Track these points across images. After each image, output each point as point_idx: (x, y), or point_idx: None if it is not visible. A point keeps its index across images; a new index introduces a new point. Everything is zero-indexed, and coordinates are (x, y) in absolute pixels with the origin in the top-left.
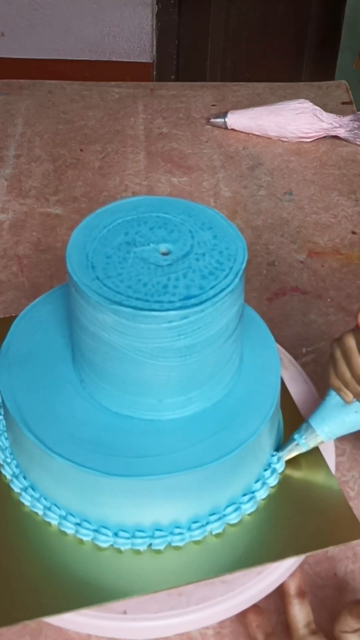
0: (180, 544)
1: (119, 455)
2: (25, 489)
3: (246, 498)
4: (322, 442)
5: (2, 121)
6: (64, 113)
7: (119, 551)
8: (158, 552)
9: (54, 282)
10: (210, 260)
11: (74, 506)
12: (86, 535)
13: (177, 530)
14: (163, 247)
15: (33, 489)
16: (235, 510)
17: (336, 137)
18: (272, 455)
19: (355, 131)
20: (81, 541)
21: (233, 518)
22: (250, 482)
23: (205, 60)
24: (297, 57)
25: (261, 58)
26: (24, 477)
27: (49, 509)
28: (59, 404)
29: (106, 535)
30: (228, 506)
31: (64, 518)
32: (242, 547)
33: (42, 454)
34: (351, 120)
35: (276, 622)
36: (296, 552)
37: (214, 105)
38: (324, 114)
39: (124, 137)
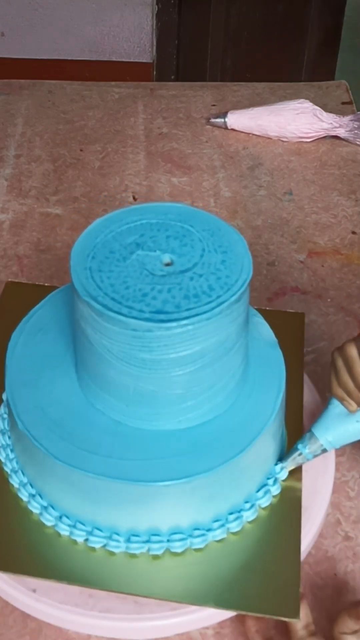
0: (180, 550)
1: (118, 458)
2: (27, 490)
3: (247, 506)
4: (326, 451)
5: (2, 121)
6: (64, 113)
7: (112, 553)
8: (155, 557)
9: (54, 282)
10: (203, 284)
11: (82, 513)
12: (90, 540)
13: (176, 537)
14: (167, 257)
15: (41, 496)
16: (237, 518)
17: (336, 137)
18: (276, 464)
19: (355, 131)
20: (93, 549)
21: (234, 526)
22: (252, 490)
23: (205, 60)
24: (297, 57)
25: (261, 58)
26: (31, 485)
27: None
28: (60, 409)
29: (117, 541)
30: (230, 513)
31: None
32: (240, 560)
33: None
34: (351, 120)
35: (276, 622)
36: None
37: (214, 105)
38: (324, 114)
39: (124, 137)
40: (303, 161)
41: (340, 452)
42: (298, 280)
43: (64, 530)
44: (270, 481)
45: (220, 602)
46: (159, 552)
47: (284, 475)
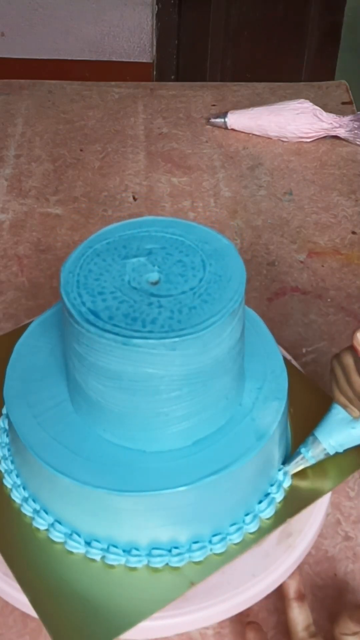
0: (223, 549)
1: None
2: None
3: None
4: (329, 455)
5: (2, 121)
6: (64, 113)
7: (111, 567)
8: (156, 570)
9: (54, 282)
10: (195, 301)
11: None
12: (96, 555)
13: (175, 551)
14: (156, 275)
15: (34, 501)
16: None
17: (336, 137)
18: (279, 470)
19: (355, 131)
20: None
21: (249, 528)
22: (256, 497)
23: (205, 60)
24: (297, 57)
25: (261, 58)
26: (24, 488)
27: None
28: (55, 425)
29: (117, 554)
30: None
31: (69, 536)
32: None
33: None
34: (351, 120)
35: (276, 622)
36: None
37: (214, 105)
38: (324, 114)
39: (124, 137)
40: (303, 161)
41: None
42: (298, 280)
43: (57, 538)
44: (274, 488)
45: None
46: (159, 565)
47: (287, 482)
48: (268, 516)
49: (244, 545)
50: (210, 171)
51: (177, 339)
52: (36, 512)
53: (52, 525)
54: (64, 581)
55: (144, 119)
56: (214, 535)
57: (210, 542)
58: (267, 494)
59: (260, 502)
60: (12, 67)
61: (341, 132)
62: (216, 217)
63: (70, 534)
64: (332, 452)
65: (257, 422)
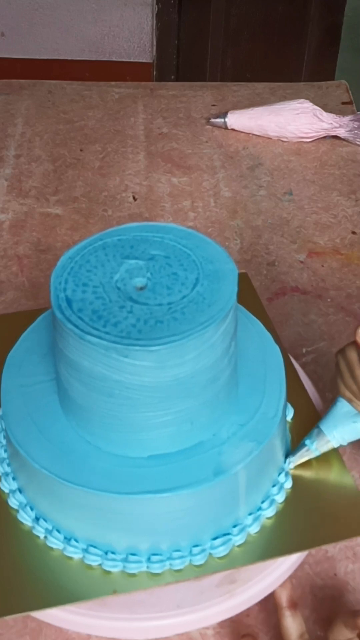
0: (159, 571)
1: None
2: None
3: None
4: (333, 447)
5: (2, 121)
6: (64, 113)
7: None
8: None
9: None
10: (185, 308)
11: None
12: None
13: (176, 554)
14: (143, 282)
15: (20, 491)
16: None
17: (336, 137)
18: (256, 511)
19: (355, 131)
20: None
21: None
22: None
23: (205, 60)
24: (297, 57)
25: (261, 58)
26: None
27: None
28: (46, 428)
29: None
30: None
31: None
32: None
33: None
34: (351, 120)
35: (277, 623)
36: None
37: (214, 105)
38: (324, 114)
39: (124, 137)
40: (303, 161)
41: (340, 451)
42: (298, 280)
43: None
44: (275, 489)
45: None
46: (159, 571)
47: (289, 483)
48: (220, 555)
49: (185, 574)
50: (210, 171)
51: (128, 347)
52: (22, 505)
53: (23, 507)
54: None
55: (144, 119)
56: (174, 550)
57: (170, 557)
58: (226, 534)
59: (215, 537)
60: (12, 67)
61: (341, 132)
62: (216, 217)
63: (37, 519)
64: (336, 445)
65: (223, 457)
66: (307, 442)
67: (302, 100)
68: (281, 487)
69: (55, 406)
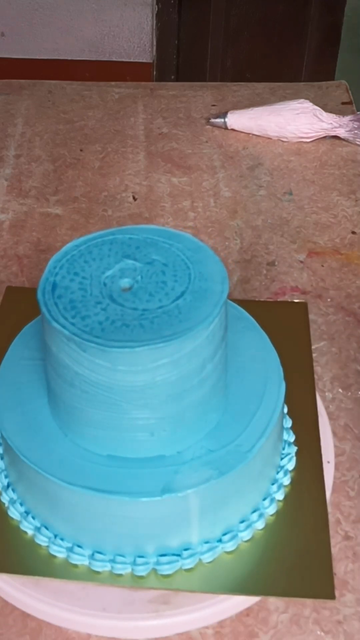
0: (121, 572)
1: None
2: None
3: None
4: None
5: (2, 121)
6: (64, 113)
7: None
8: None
9: None
10: (174, 309)
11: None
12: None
13: (119, 559)
14: (129, 283)
15: (20, 504)
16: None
17: (336, 137)
18: (260, 504)
19: (355, 131)
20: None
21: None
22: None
23: (205, 60)
24: (297, 57)
25: (261, 58)
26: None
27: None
28: (26, 402)
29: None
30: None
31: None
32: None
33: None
34: (351, 120)
35: (276, 622)
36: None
37: (214, 105)
38: (324, 114)
39: (124, 137)
40: (303, 161)
41: (340, 452)
42: (298, 280)
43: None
44: (242, 525)
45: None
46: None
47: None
48: (164, 573)
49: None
50: (210, 171)
51: (85, 342)
52: (13, 501)
53: (12, 503)
54: None
55: (144, 119)
56: (117, 554)
57: (157, 562)
58: (174, 554)
59: (161, 554)
60: (12, 67)
61: (341, 132)
62: (216, 217)
63: (25, 514)
64: None
65: (177, 477)
66: None
67: (302, 100)
68: (249, 525)
69: (42, 384)
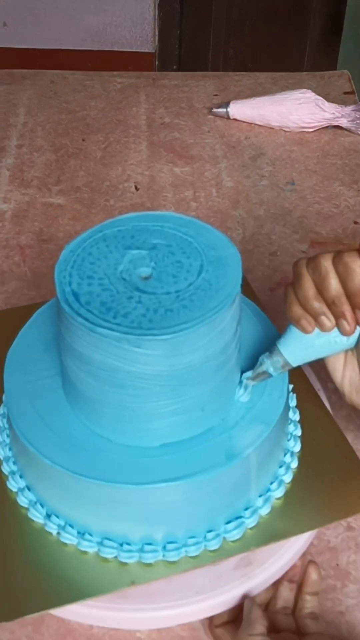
0: (176, 558)
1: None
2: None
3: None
4: (292, 366)
5: (4, 111)
6: (66, 103)
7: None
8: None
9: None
10: (188, 299)
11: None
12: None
13: (191, 541)
14: (148, 271)
15: (29, 489)
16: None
17: (338, 127)
18: (260, 496)
19: (358, 121)
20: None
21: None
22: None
23: (207, 50)
24: (299, 47)
25: (263, 48)
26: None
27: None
28: (54, 424)
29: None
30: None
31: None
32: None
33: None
34: (353, 110)
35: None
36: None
37: (216, 95)
38: (326, 103)
39: (126, 127)
40: (305, 151)
41: None
42: None
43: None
44: (247, 512)
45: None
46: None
47: (265, 509)
48: (234, 538)
49: (201, 559)
50: (213, 161)
51: (140, 337)
52: (32, 503)
53: (33, 505)
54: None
55: (146, 108)
56: (190, 537)
57: (185, 544)
58: (238, 517)
59: (228, 522)
60: (14, 57)
61: (343, 122)
62: (218, 207)
63: (49, 516)
64: (294, 364)
65: (234, 441)
66: (265, 359)
67: (304, 90)
68: (288, 468)
69: (61, 401)
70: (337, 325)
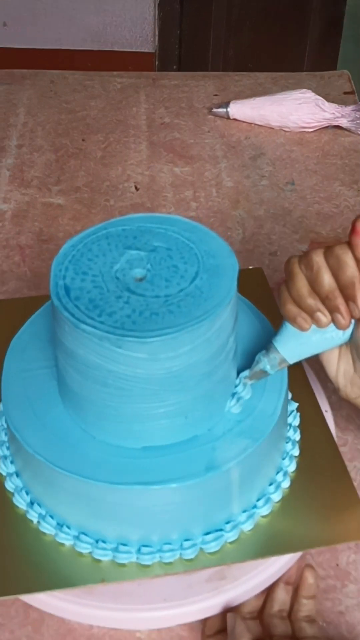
0: (149, 562)
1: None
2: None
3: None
4: (289, 364)
5: (4, 111)
6: (66, 103)
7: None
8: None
9: None
10: (183, 300)
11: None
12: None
13: (166, 547)
14: (142, 273)
15: (17, 475)
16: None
17: (338, 127)
18: (281, 464)
19: (358, 121)
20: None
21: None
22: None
23: (207, 50)
24: (299, 47)
25: (263, 48)
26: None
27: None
28: (43, 414)
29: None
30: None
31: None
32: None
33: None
34: (353, 110)
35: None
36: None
37: (216, 95)
38: (326, 103)
39: (126, 127)
40: (305, 151)
41: (342, 442)
42: None
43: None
44: (272, 487)
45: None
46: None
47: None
48: (211, 550)
49: (174, 567)
50: (213, 161)
51: (121, 338)
52: (18, 489)
53: (19, 491)
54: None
55: (146, 108)
56: (165, 543)
57: (181, 546)
58: (219, 530)
59: (207, 533)
60: (14, 57)
61: (343, 122)
62: (218, 207)
63: (32, 504)
64: (291, 361)
65: (217, 453)
66: (261, 357)
67: (304, 90)
68: (278, 486)
69: (54, 393)
70: (333, 319)
